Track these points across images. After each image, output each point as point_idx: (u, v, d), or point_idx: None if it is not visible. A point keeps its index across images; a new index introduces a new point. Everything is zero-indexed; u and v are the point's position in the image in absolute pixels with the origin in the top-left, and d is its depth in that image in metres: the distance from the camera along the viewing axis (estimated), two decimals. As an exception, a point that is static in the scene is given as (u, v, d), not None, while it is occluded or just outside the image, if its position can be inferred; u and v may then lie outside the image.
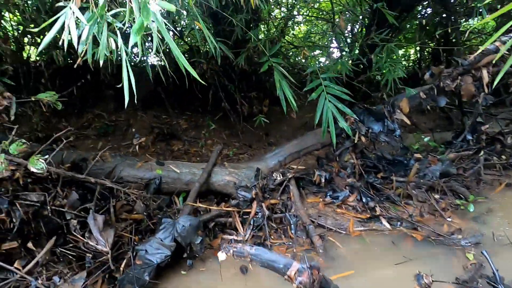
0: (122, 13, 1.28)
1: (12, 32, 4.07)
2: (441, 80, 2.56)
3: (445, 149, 3.81)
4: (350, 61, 3.07)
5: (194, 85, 4.58)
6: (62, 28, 1.23)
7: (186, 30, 4.05)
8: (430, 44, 6.47)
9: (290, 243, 2.44)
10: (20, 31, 4.01)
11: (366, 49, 3.42)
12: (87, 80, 4.13)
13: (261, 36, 5.19)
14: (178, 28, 4.26)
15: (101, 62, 1.45)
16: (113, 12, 1.38)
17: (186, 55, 4.58)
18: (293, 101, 2.40)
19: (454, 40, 5.10)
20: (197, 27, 2.68)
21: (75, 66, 1.43)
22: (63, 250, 1.78)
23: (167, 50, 4.47)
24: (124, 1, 1.27)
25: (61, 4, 1.59)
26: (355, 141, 3.01)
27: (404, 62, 7.78)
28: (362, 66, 3.57)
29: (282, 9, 6.28)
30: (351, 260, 2.13)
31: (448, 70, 2.55)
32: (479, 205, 2.66)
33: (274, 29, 5.32)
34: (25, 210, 1.64)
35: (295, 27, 6.64)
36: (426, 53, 6.76)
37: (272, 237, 2.53)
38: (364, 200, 2.76)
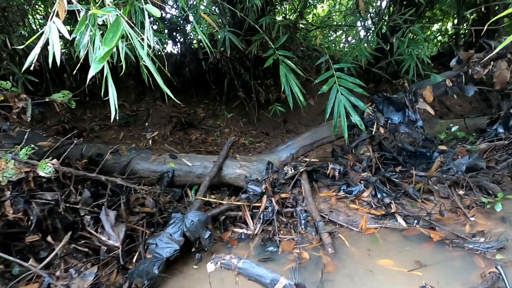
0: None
1: (37, 30, 4.23)
2: (470, 67, 2.30)
3: (477, 138, 3.51)
4: (369, 47, 2.83)
5: (209, 74, 4.57)
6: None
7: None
8: (470, 17, 5.82)
9: (300, 239, 2.41)
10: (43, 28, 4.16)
11: (388, 32, 3.14)
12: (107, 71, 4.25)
13: (280, 18, 4.98)
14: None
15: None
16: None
17: (200, 44, 4.52)
18: (301, 97, 2.28)
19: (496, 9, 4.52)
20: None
21: (75, 69, 1.44)
22: (78, 244, 1.90)
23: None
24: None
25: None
26: (373, 133, 2.85)
27: (440, 38, 7.12)
28: (385, 51, 3.30)
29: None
30: (360, 261, 2.06)
31: (479, 55, 2.28)
32: (509, 204, 2.41)
33: (292, 12, 5.06)
34: (41, 208, 1.76)
35: (318, 6, 6.25)
36: (465, 27, 6.07)
37: (282, 232, 2.52)
38: (379, 195, 2.64)
